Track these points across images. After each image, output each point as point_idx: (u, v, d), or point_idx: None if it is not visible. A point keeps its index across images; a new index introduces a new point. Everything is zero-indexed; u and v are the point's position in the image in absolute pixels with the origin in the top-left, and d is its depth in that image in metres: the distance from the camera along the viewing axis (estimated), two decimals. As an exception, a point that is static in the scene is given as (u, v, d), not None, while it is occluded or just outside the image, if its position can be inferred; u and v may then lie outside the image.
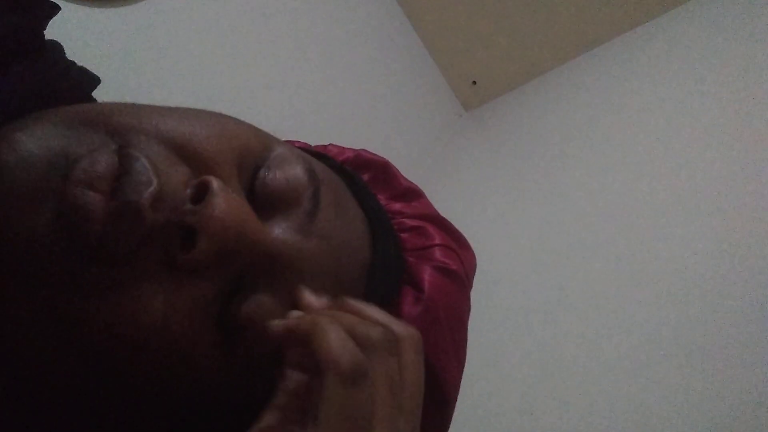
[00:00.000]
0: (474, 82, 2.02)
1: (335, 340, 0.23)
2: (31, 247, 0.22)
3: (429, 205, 0.41)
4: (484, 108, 2.03)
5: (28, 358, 0.23)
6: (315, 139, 0.46)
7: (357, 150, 0.42)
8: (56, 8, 0.33)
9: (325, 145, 0.43)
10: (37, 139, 0.24)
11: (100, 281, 0.23)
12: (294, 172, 0.29)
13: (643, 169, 1.20)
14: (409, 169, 0.43)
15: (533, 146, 1.61)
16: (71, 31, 1.06)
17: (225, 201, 0.24)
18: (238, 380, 0.27)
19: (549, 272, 1.17)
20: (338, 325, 0.24)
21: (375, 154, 0.42)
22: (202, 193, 0.25)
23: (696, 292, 0.90)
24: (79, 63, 0.36)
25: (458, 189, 1.68)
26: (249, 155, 0.29)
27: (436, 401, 0.34)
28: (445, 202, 0.41)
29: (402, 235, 0.37)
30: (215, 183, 0.25)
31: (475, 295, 0.40)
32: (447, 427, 0.36)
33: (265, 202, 0.28)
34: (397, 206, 0.39)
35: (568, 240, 1.20)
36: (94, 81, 0.35)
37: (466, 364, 0.37)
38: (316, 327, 0.24)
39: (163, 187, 0.24)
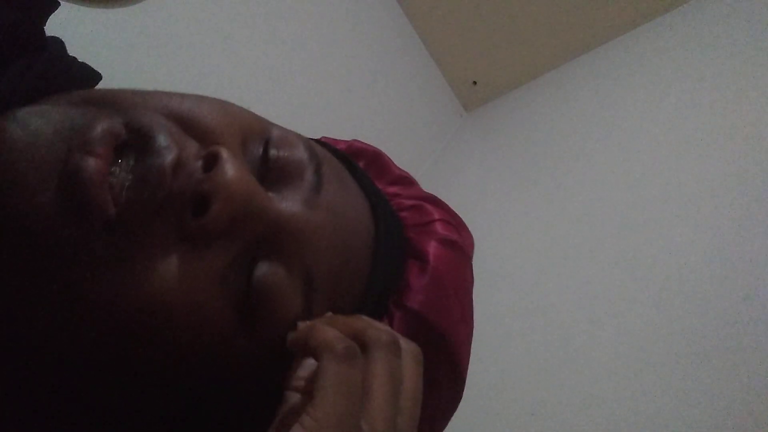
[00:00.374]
0: (474, 83, 2.02)
1: (329, 332, 0.25)
2: (38, 219, 0.22)
3: (423, 190, 0.42)
4: (484, 108, 2.03)
5: (40, 336, 0.23)
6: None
7: (349, 141, 0.43)
8: (55, 4, 0.33)
9: (317, 138, 0.44)
10: (46, 117, 0.24)
11: (114, 251, 0.23)
12: (296, 150, 0.30)
13: (643, 168, 1.20)
14: (410, 169, 0.44)
15: (533, 146, 1.61)
16: (73, 30, 1.06)
17: (235, 168, 0.25)
18: (250, 360, 0.27)
19: (549, 272, 1.17)
20: (333, 327, 0.25)
21: (367, 144, 0.43)
22: (212, 163, 0.25)
23: (698, 291, 0.89)
24: (81, 60, 0.36)
25: (458, 189, 1.68)
26: (251, 133, 0.29)
27: (449, 367, 0.34)
28: (446, 201, 0.41)
29: (401, 214, 0.37)
30: (225, 152, 0.25)
31: (476, 294, 0.40)
32: (461, 392, 0.36)
33: (271, 178, 0.29)
34: (392, 189, 0.40)
35: (569, 239, 1.20)
36: (95, 77, 0.35)
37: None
38: (314, 329, 0.25)
39: (180, 156, 0.25)
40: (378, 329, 0.26)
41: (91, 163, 0.22)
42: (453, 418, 0.37)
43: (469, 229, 0.41)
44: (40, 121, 0.24)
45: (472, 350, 0.38)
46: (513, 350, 1.06)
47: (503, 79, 1.95)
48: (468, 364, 0.36)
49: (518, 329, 1.10)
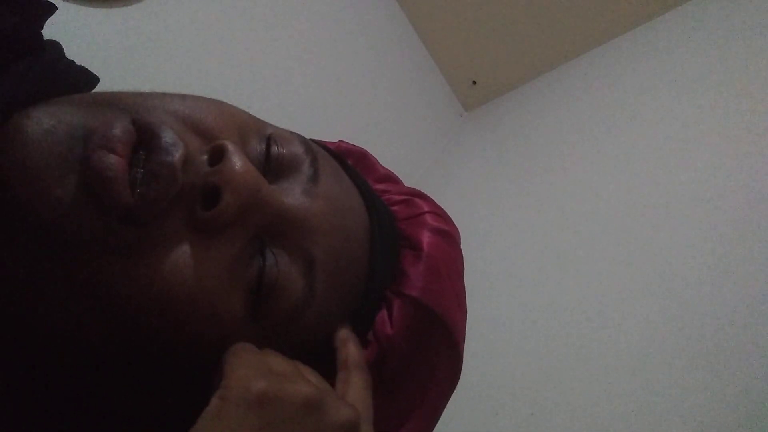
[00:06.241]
0: (474, 82, 2.02)
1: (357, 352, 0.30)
2: (59, 213, 0.23)
3: (408, 187, 0.43)
4: (484, 108, 2.03)
5: (59, 325, 0.24)
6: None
7: (335, 142, 0.44)
8: (53, 8, 0.34)
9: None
10: (57, 116, 0.25)
11: (130, 243, 0.24)
12: (293, 145, 0.32)
13: (643, 167, 1.20)
14: (410, 169, 0.44)
15: (533, 146, 1.60)
16: (72, 32, 1.06)
17: (243, 160, 0.26)
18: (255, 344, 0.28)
19: (549, 272, 1.17)
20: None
21: (354, 144, 0.45)
22: (218, 156, 0.26)
23: (698, 291, 0.89)
24: (79, 63, 0.36)
25: (458, 189, 1.68)
26: (247, 130, 0.31)
27: (448, 348, 0.36)
28: (445, 202, 0.42)
29: (392, 208, 0.39)
30: (231, 145, 0.26)
31: (475, 294, 0.40)
32: (460, 371, 0.38)
33: (271, 172, 0.30)
34: (380, 186, 0.41)
35: (568, 239, 1.20)
36: (93, 80, 0.35)
37: (463, 366, 0.39)
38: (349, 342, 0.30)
39: (187, 151, 0.26)
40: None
41: (114, 161, 0.23)
42: (453, 419, 0.38)
43: (469, 228, 0.42)
44: (53, 119, 0.24)
45: (472, 350, 0.39)
46: (513, 350, 1.06)
47: (503, 79, 1.95)
48: (464, 345, 0.38)
49: (518, 329, 1.10)
